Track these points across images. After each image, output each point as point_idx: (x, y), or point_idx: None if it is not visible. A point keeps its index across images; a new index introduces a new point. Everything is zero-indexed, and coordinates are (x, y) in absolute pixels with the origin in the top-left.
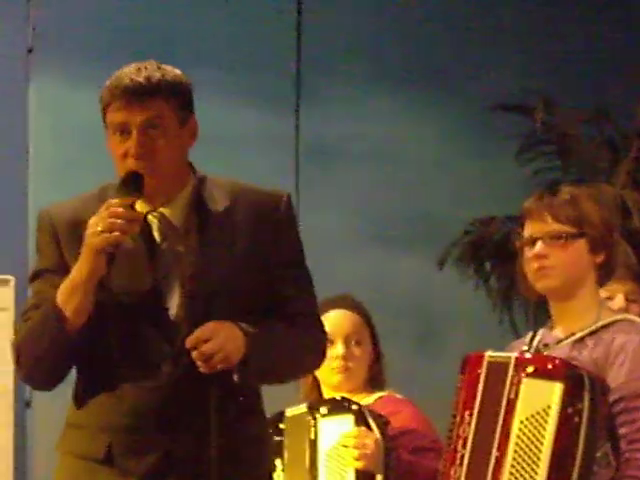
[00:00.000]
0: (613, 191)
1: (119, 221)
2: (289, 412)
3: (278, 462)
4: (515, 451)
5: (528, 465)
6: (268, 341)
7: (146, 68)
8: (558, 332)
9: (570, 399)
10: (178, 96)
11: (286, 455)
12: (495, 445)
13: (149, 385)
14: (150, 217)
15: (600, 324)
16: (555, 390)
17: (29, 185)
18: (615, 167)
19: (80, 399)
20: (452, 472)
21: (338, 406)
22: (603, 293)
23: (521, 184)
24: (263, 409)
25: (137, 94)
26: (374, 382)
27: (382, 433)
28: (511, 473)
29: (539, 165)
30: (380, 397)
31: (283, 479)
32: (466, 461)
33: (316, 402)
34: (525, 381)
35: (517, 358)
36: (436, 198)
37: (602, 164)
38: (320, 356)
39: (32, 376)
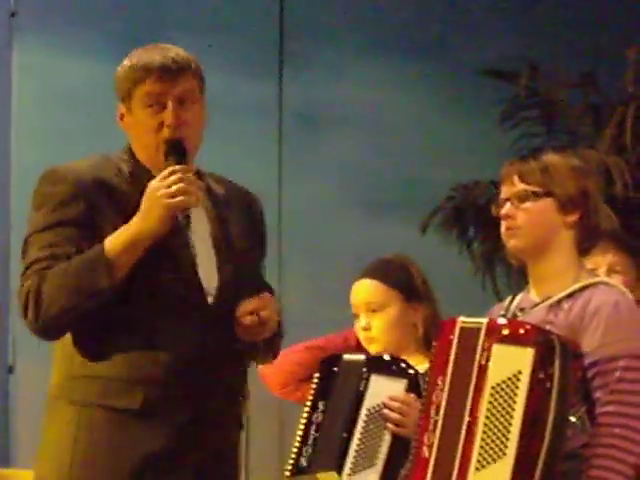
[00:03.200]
0: (597, 156)
1: (193, 187)
2: (347, 357)
3: (321, 404)
4: (487, 417)
5: (499, 431)
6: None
7: (168, 49)
8: (534, 295)
9: (541, 364)
10: (200, 75)
11: (331, 398)
12: (467, 411)
13: (182, 341)
14: None
15: (577, 287)
16: (526, 355)
17: (11, 150)
18: (599, 133)
19: (104, 350)
20: (425, 438)
21: (396, 367)
22: (587, 265)
23: (506, 150)
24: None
25: (173, 70)
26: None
27: None
28: (483, 439)
29: (523, 130)
30: None
31: (321, 420)
32: (439, 427)
33: (376, 357)
34: (496, 347)
35: (488, 323)
36: (420, 164)
37: (586, 130)
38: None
39: (52, 325)
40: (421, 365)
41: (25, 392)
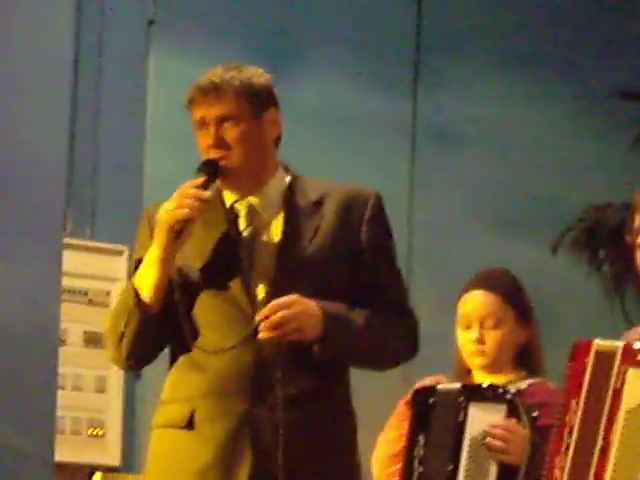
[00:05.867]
0: None
1: (188, 200)
2: (441, 387)
3: (421, 437)
4: (620, 441)
5: (633, 456)
6: (349, 323)
7: (224, 69)
8: None
9: None
10: (250, 93)
11: (431, 431)
12: (600, 435)
13: (228, 354)
14: (237, 205)
15: None
16: None
17: (146, 157)
18: None
19: (170, 377)
20: (557, 460)
21: (493, 393)
22: None
23: (639, 171)
24: (346, 393)
25: (210, 92)
26: (525, 364)
27: (531, 427)
28: (616, 464)
29: None
30: (532, 384)
31: (423, 454)
32: (571, 450)
33: (471, 384)
34: (631, 371)
35: (624, 347)
36: (553, 183)
37: None
38: (410, 344)
39: (115, 358)
40: (513, 385)
41: (152, 399)
